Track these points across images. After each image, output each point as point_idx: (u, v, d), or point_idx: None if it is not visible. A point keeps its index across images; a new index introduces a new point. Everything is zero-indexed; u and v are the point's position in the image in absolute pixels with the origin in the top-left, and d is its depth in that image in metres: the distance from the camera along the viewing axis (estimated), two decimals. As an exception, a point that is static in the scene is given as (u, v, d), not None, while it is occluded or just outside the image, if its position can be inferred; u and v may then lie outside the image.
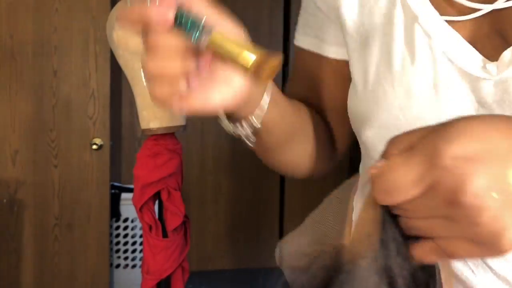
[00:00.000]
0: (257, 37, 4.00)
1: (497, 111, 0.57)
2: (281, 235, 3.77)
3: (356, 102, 0.68)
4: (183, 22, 0.48)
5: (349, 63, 0.69)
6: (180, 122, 1.77)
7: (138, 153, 1.80)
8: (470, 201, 0.38)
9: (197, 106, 0.52)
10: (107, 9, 2.57)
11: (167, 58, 0.50)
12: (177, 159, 1.79)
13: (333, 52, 0.73)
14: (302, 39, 0.77)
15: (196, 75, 0.51)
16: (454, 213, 0.39)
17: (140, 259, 3.08)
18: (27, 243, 2.66)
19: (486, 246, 0.40)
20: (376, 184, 0.42)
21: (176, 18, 0.48)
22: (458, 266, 0.63)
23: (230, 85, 0.53)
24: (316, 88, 0.77)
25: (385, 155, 0.43)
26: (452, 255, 0.42)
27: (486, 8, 0.58)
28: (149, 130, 1.75)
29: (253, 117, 0.62)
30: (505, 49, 0.56)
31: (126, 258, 3.13)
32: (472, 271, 0.62)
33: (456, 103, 0.60)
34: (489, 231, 0.39)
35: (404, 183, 0.41)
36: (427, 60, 0.61)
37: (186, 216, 1.81)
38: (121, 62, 1.76)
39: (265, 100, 0.62)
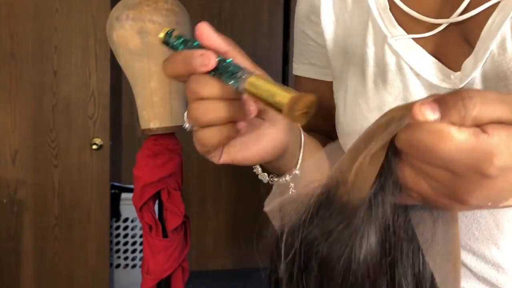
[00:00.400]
0: (257, 37, 4.00)
1: None
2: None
3: (338, 119, 0.71)
4: (224, 69, 0.49)
5: (333, 84, 0.73)
6: (180, 122, 1.77)
7: (138, 153, 1.80)
8: (494, 173, 0.38)
9: (238, 158, 0.54)
10: (107, 9, 2.57)
11: (211, 104, 0.51)
12: (177, 159, 1.79)
13: (328, 74, 0.76)
14: (298, 68, 0.81)
15: (243, 122, 0.52)
16: (471, 174, 0.38)
17: (140, 259, 3.08)
18: (27, 243, 2.66)
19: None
20: (423, 125, 0.38)
21: (217, 66, 0.49)
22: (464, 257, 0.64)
23: (269, 138, 0.55)
24: (321, 112, 0.79)
25: (441, 106, 0.39)
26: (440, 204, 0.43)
27: (444, 22, 0.61)
28: (149, 130, 1.75)
29: (293, 167, 0.63)
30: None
31: (126, 258, 3.13)
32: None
33: None
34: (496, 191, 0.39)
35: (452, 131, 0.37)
36: (397, 77, 0.64)
37: (186, 216, 1.81)
38: (121, 62, 1.76)
39: (301, 148, 0.64)
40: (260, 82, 0.48)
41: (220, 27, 3.72)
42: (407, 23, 0.64)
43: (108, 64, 2.67)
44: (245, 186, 3.68)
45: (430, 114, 0.38)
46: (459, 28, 0.61)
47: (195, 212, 3.58)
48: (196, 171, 3.60)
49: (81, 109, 2.69)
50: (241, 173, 3.68)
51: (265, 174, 0.63)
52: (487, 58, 0.57)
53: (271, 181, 0.63)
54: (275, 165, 0.62)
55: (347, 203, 0.45)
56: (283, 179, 0.62)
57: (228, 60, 0.49)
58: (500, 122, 0.37)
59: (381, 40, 0.65)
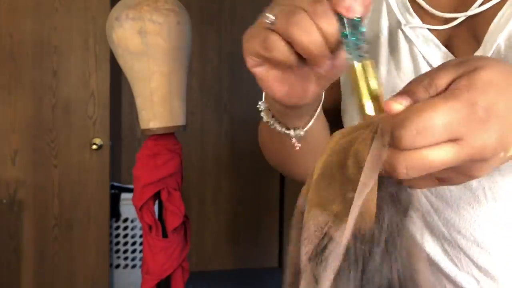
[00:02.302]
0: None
1: None
2: (281, 235, 3.76)
3: (346, 105, 0.72)
4: (354, 26, 0.44)
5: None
6: (180, 122, 1.77)
7: (138, 153, 1.80)
8: (493, 162, 0.39)
9: (281, 92, 0.50)
10: (107, 9, 2.57)
11: (315, 34, 0.44)
12: (177, 159, 1.79)
13: None
14: None
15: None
16: (468, 164, 0.39)
17: (140, 259, 3.08)
18: (27, 243, 2.66)
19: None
20: (406, 123, 0.38)
21: (353, 26, 0.45)
22: (442, 261, 0.65)
23: (311, 84, 0.51)
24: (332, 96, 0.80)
25: (408, 92, 0.40)
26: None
27: (460, 16, 0.63)
28: (149, 130, 1.75)
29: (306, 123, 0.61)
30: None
31: (126, 258, 3.13)
32: (456, 264, 0.65)
33: None
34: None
35: (439, 126, 0.37)
36: (410, 64, 0.65)
37: (186, 216, 1.81)
38: (121, 62, 1.76)
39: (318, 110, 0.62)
40: (369, 72, 0.45)
41: (220, 27, 3.72)
42: (421, 14, 0.66)
43: (108, 64, 2.67)
44: (245, 186, 3.68)
45: (398, 106, 0.40)
46: (469, 23, 0.63)
47: (195, 212, 3.58)
48: (196, 171, 3.60)
49: (81, 109, 2.69)
50: (241, 173, 3.68)
51: (269, 112, 0.60)
52: (493, 51, 0.59)
53: (271, 123, 0.60)
54: (285, 111, 0.58)
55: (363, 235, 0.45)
56: (284, 129, 0.60)
57: (363, 26, 0.45)
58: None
59: (395, 26, 0.66)
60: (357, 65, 0.45)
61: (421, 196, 0.64)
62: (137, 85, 1.75)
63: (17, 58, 2.61)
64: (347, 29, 0.44)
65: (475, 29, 0.62)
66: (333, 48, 0.45)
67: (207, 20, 3.63)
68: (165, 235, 1.80)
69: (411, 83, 0.41)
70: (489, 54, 0.59)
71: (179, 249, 1.81)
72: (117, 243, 3.11)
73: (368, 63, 0.45)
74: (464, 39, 0.63)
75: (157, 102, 1.73)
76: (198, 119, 3.61)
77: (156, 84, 1.72)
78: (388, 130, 0.39)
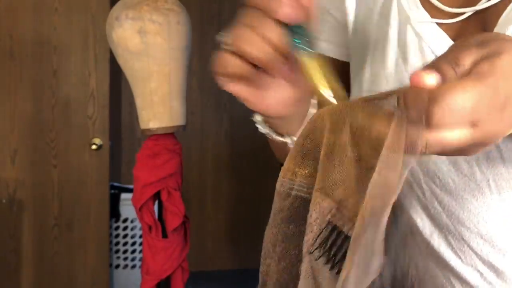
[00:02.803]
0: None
1: None
2: (281, 235, 3.76)
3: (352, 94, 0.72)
4: (295, 31, 0.48)
5: (351, 65, 0.74)
6: (180, 122, 1.77)
7: (138, 153, 1.80)
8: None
9: (249, 97, 0.53)
10: (106, 8, 2.56)
11: (261, 43, 0.48)
12: (176, 159, 1.79)
13: (342, 54, 0.76)
14: None
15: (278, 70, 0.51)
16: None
17: (140, 260, 3.07)
18: (26, 243, 2.66)
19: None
20: (441, 100, 0.38)
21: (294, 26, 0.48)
22: (446, 253, 0.65)
23: (287, 92, 0.54)
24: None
25: (435, 67, 0.40)
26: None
27: (468, 11, 0.63)
28: (149, 130, 1.75)
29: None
30: None
31: (125, 259, 3.12)
32: (460, 257, 0.64)
33: None
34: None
35: (468, 108, 0.38)
36: (418, 59, 0.65)
37: (185, 216, 1.81)
38: (121, 62, 1.76)
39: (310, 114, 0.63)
40: (319, 64, 0.49)
41: (220, 27, 3.72)
42: (430, 9, 0.66)
43: (108, 64, 2.66)
44: (245, 186, 3.68)
45: (431, 79, 0.40)
46: (478, 18, 0.63)
47: (195, 212, 3.58)
48: (196, 171, 3.59)
49: (80, 109, 2.69)
50: (241, 173, 3.68)
51: (264, 124, 0.62)
52: None
53: (268, 133, 0.61)
54: (275, 121, 0.60)
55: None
56: (280, 138, 0.61)
57: (303, 27, 0.49)
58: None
59: (404, 21, 0.67)
60: (308, 61, 0.48)
61: (426, 188, 0.64)
62: (137, 85, 1.75)
63: (17, 58, 2.61)
64: (292, 35, 0.48)
65: (484, 23, 0.62)
66: (285, 53, 0.48)
67: (207, 20, 3.62)
68: (165, 235, 1.80)
69: (437, 59, 0.41)
70: None
71: (179, 249, 1.81)
72: (117, 243, 3.10)
73: (317, 59, 0.48)
74: (472, 33, 0.63)
75: (157, 102, 1.73)
76: (198, 119, 3.61)
77: (156, 84, 1.72)
78: (418, 104, 0.38)
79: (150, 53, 1.69)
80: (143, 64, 1.70)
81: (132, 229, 3.11)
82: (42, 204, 2.67)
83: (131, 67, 1.73)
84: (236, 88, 0.52)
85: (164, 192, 1.78)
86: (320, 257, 0.43)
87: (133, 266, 3.12)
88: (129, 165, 3.28)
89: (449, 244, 0.65)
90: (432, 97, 0.38)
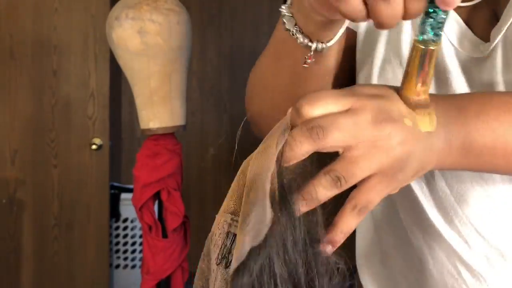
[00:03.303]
0: (257, 37, 3.98)
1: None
2: (281, 235, 3.76)
3: (358, 78, 0.72)
4: (435, 20, 0.46)
5: (356, 47, 0.72)
6: (180, 122, 1.77)
7: (138, 153, 1.80)
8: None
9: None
10: (107, 8, 2.57)
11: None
12: (176, 159, 1.79)
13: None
14: None
15: None
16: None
17: (140, 260, 3.07)
18: (26, 243, 2.66)
19: None
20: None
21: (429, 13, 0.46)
22: (454, 238, 0.64)
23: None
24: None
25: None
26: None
27: None
28: (149, 130, 1.75)
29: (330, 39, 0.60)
30: None
31: (125, 259, 3.12)
32: (466, 241, 0.63)
33: (452, 84, 0.64)
34: None
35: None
36: None
37: (185, 216, 1.81)
38: (121, 62, 1.76)
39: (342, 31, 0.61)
40: (434, 55, 0.47)
41: (220, 27, 3.72)
42: None
43: (108, 64, 2.66)
44: (245, 186, 3.67)
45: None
46: (490, 2, 0.63)
47: (195, 212, 3.58)
48: (196, 171, 3.59)
49: (80, 109, 2.68)
50: (241, 173, 3.68)
51: (292, 20, 0.58)
52: (508, 26, 0.59)
53: (293, 32, 0.58)
54: (317, 19, 0.56)
55: None
56: (307, 41, 0.58)
57: (444, 16, 0.46)
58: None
59: None
60: (421, 47, 0.47)
61: (435, 171, 0.63)
62: (137, 85, 1.75)
63: (17, 58, 2.61)
64: (434, 11, 0.45)
65: (496, 5, 0.62)
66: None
67: (207, 20, 3.62)
68: (165, 235, 1.80)
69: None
70: (504, 29, 0.59)
71: (179, 249, 1.81)
72: (117, 243, 3.10)
73: (435, 49, 0.46)
74: (484, 16, 0.63)
75: (157, 102, 1.73)
76: (198, 119, 3.60)
77: (156, 84, 1.72)
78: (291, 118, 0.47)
79: (150, 53, 1.69)
80: (143, 64, 1.70)
81: (132, 229, 3.11)
82: (42, 204, 2.67)
83: (131, 67, 1.73)
84: None
85: (164, 192, 1.78)
86: (227, 265, 0.48)
87: (133, 266, 3.12)
88: (129, 165, 3.28)
89: (456, 228, 0.64)
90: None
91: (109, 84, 2.70)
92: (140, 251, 3.10)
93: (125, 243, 3.12)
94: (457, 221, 0.64)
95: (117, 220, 3.08)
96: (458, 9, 0.64)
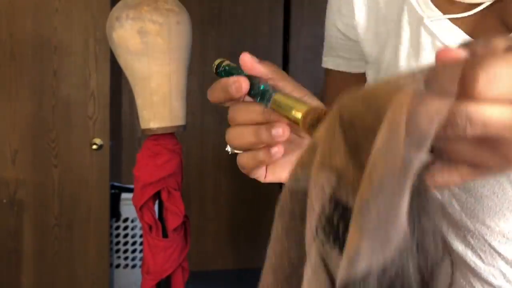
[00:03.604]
0: (257, 37, 3.98)
1: None
2: (281, 235, 3.76)
3: None
4: (255, 91, 0.52)
5: (366, 71, 0.75)
6: (180, 122, 1.77)
7: (138, 153, 1.80)
8: None
9: (282, 177, 0.57)
10: (107, 9, 2.57)
11: (243, 129, 0.53)
12: (177, 159, 1.79)
13: (355, 66, 0.79)
14: (327, 61, 0.84)
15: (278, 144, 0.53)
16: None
17: (140, 259, 3.08)
18: (27, 243, 2.66)
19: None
20: (483, 65, 0.31)
21: (250, 89, 0.53)
22: (467, 253, 0.63)
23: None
24: None
25: (465, 46, 0.34)
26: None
27: (486, 1, 0.60)
28: (149, 130, 1.75)
29: None
30: None
31: (126, 258, 3.13)
32: (480, 257, 0.62)
33: None
34: None
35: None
36: (432, 58, 0.62)
37: (186, 216, 1.81)
38: (121, 62, 1.76)
39: None
40: (281, 99, 0.50)
41: (220, 27, 3.72)
42: (442, 5, 0.64)
43: (108, 64, 2.67)
44: (245, 186, 3.68)
45: (460, 52, 0.33)
46: (497, 10, 0.60)
47: (195, 212, 3.58)
48: (196, 171, 3.59)
49: (81, 109, 2.69)
50: (241, 173, 3.68)
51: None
52: None
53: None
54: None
55: None
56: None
57: (259, 82, 0.53)
58: None
59: (417, 22, 0.65)
60: (272, 101, 0.51)
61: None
62: (137, 85, 1.75)
63: (17, 58, 2.61)
64: (253, 97, 0.53)
65: (504, 14, 0.59)
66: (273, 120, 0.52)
67: (207, 20, 3.62)
68: (165, 235, 1.80)
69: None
70: None
71: (179, 249, 1.81)
72: (117, 243, 3.11)
73: (277, 94, 0.51)
74: (491, 26, 0.60)
75: (157, 102, 1.73)
76: (198, 119, 3.61)
77: (156, 84, 1.72)
78: (452, 74, 0.31)
79: (150, 53, 1.69)
80: (144, 64, 1.71)
81: (132, 228, 3.11)
82: (42, 204, 2.67)
83: (132, 67, 1.73)
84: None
85: (164, 192, 1.78)
86: (326, 239, 0.36)
87: (134, 266, 3.12)
88: (129, 165, 3.28)
89: (469, 244, 0.63)
90: (472, 65, 0.31)
91: (110, 84, 2.70)
92: (141, 251, 3.10)
93: (126, 243, 3.12)
94: (470, 236, 0.63)
95: (117, 220, 3.08)
96: (460, 21, 0.62)
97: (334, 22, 0.79)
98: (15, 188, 2.63)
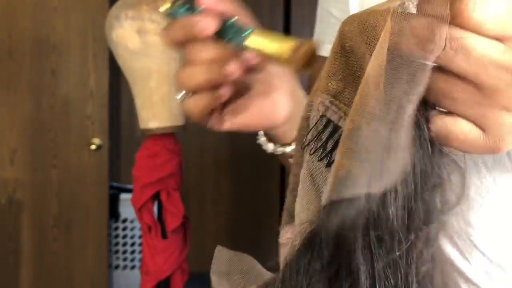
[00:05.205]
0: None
1: None
2: (281, 235, 3.76)
3: None
4: (227, 30, 0.48)
5: None
6: (180, 122, 1.77)
7: (137, 154, 1.80)
8: None
9: (239, 123, 0.53)
10: (105, 8, 2.56)
11: (205, 66, 0.49)
12: (176, 159, 1.78)
13: None
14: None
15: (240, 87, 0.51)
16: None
17: (139, 260, 3.07)
18: (25, 243, 2.65)
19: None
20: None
21: (221, 28, 0.49)
22: (453, 255, 0.63)
23: (272, 102, 0.53)
24: None
25: None
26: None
27: None
28: (148, 130, 1.74)
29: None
30: None
31: (125, 259, 3.12)
32: (467, 259, 0.62)
33: None
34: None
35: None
36: None
37: (185, 217, 1.81)
38: (120, 61, 1.75)
39: None
40: (261, 36, 0.47)
41: (220, 27, 3.72)
42: None
43: (107, 64, 2.66)
44: (245, 186, 3.67)
45: None
46: None
47: (194, 212, 3.57)
48: (196, 171, 3.59)
49: (79, 109, 2.68)
50: (241, 173, 3.67)
51: (270, 144, 0.61)
52: None
53: (276, 151, 0.60)
54: (279, 133, 0.60)
55: None
56: (288, 149, 0.60)
57: (231, 20, 0.49)
58: None
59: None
60: (249, 39, 0.48)
61: None
62: (136, 84, 1.75)
63: (16, 58, 2.60)
64: (222, 36, 0.49)
65: None
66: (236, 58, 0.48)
67: (207, 20, 3.62)
68: (164, 236, 1.79)
69: None
70: None
71: (179, 250, 1.81)
72: (116, 244, 3.10)
73: (256, 31, 0.48)
74: None
75: (157, 102, 1.73)
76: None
77: (156, 84, 1.71)
78: (441, 1, 0.31)
79: (150, 53, 1.68)
80: (143, 63, 1.70)
81: (131, 229, 3.10)
82: (41, 204, 2.66)
83: (131, 67, 1.72)
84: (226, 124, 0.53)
85: (164, 192, 1.77)
86: (314, 152, 0.38)
87: (133, 267, 3.11)
88: (128, 165, 3.27)
89: (455, 245, 0.63)
90: None
91: (108, 84, 2.69)
92: (140, 252, 3.09)
93: (125, 244, 3.11)
94: (456, 237, 0.62)
95: (116, 221, 3.07)
96: None
97: (327, 7, 0.78)
98: (14, 188, 2.63)
